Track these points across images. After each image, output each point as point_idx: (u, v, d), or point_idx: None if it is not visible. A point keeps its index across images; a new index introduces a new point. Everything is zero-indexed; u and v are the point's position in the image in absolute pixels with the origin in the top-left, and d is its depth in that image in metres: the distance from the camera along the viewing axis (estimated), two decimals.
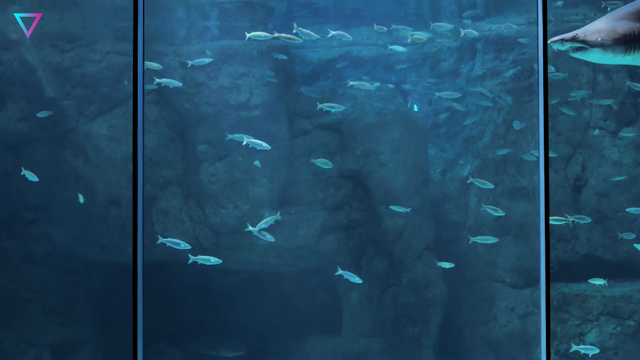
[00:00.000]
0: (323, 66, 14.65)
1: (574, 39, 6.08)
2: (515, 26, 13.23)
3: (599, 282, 11.19)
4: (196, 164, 12.71)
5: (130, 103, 11.21)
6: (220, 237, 12.67)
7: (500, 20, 13.85)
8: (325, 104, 12.40)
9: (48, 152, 12.70)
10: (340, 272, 11.77)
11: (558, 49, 6.15)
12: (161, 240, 11.47)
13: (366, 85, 12.92)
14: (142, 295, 4.57)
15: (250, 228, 11.69)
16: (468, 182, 12.70)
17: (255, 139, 12.34)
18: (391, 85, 14.11)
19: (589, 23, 12.98)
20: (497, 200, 12.85)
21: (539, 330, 4.77)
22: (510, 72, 13.09)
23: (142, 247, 4.64)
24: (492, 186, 12.27)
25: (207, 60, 12.29)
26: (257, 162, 12.37)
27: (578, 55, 6.12)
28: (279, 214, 11.73)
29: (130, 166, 4.55)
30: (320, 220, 12.79)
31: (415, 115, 13.45)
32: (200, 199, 12.74)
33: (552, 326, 11.29)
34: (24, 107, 12.56)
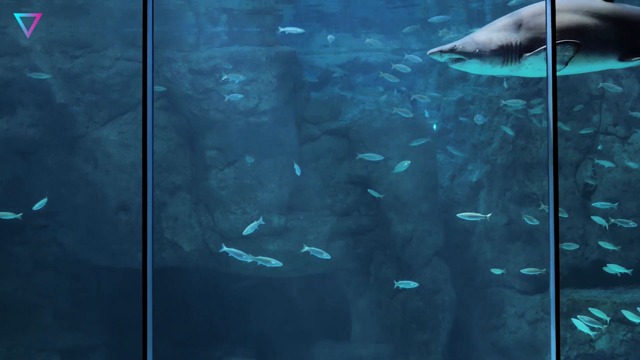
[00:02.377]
0: (332, 72, 14.66)
1: (452, 51, 6.11)
2: None
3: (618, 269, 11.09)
4: (205, 169, 12.74)
5: (140, 109, 11.25)
6: (229, 243, 12.66)
7: None
8: (365, 154, 12.36)
9: (58, 158, 12.74)
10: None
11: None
12: (224, 249, 11.40)
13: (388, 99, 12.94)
14: (151, 300, 4.58)
15: (253, 258, 11.50)
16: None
17: (264, 145, 12.39)
18: (398, 93, 14.11)
19: None
20: (506, 206, 12.82)
21: (548, 337, 4.76)
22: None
23: (152, 253, 4.65)
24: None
25: (241, 77, 12.29)
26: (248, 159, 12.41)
27: (457, 66, 6.15)
28: (261, 218, 11.66)
29: (140, 172, 4.56)
30: (329, 226, 12.79)
31: (423, 121, 13.46)
32: (209, 204, 12.76)
33: (561, 332, 11.26)
34: (34, 113, 12.61)
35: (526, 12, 6.32)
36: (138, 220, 12.48)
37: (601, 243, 11.55)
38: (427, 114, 13.86)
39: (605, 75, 12.55)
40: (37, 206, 11.56)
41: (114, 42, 13.03)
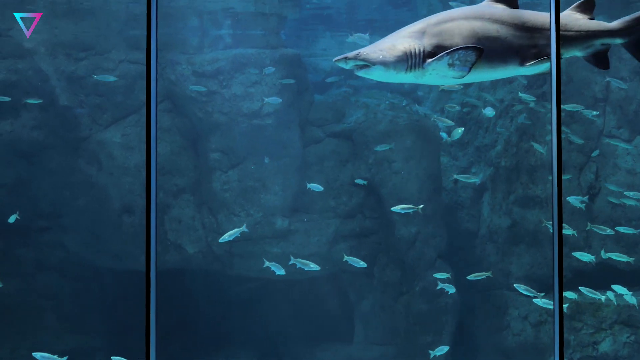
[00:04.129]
0: (335, 74, 14.66)
1: (356, 57, 6.13)
2: None
3: (621, 291, 11.08)
4: (209, 171, 12.74)
5: (143, 111, 11.27)
6: (232, 245, 12.68)
7: None
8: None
9: (62, 160, 12.76)
10: (293, 261, 11.64)
11: (349, 67, 6.19)
12: (293, 261, 11.47)
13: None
14: (155, 303, 4.58)
15: (294, 260, 11.59)
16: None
17: (268, 147, 12.39)
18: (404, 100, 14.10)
19: None
20: (510, 209, 12.81)
21: (552, 339, 4.75)
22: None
23: (155, 255, 4.65)
24: None
25: (278, 100, 12.39)
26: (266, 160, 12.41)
27: (362, 73, 6.20)
28: (244, 226, 11.66)
29: (143, 174, 4.57)
30: (333, 228, 12.79)
31: (427, 123, 13.45)
32: (213, 206, 12.76)
33: (565, 335, 11.23)
34: (37, 115, 12.63)
35: (431, 19, 6.40)
36: (141, 222, 12.49)
37: (607, 254, 11.50)
38: (445, 137, 13.80)
39: (609, 77, 12.55)
40: (10, 219, 11.65)
41: (118, 44, 13.05)
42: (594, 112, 12.16)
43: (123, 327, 12.48)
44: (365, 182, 12.61)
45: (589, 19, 6.72)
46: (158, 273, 4.65)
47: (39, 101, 12.36)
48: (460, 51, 6.01)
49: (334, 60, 6.23)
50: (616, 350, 11.34)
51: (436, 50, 6.15)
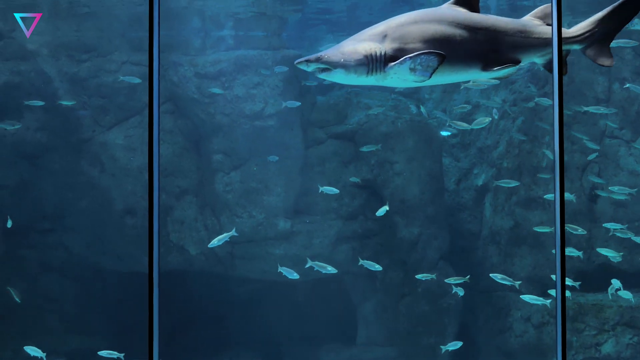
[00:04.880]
0: None
1: (318, 60, 6.12)
2: None
3: (626, 295, 11.09)
4: (211, 173, 12.76)
5: (146, 113, 11.28)
6: (235, 247, 12.69)
7: None
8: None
9: (64, 162, 12.78)
10: (310, 263, 11.64)
11: (308, 69, 6.20)
12: (310, 263, 11.48)
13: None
14: (157, 304, 4.59)
15: (311, 263, 11.62)
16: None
17: (270, 149, 12.41)
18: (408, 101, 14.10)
19: None
20: (513, 210, 12.80)
21: (554, 340, 4.75)
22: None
23: (158, 256, 4.66)
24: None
25: (297, 103, 12.48)
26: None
27: (324, 76, 6.19)
28: (234, 230, 11.66)
29: (146, 175, 4.57)
30: (335, 230, 12.79)
31: (429, 125, 13.46)
32: (216, 208, 12.77)
33: (568, 336, 11.23)
34: (40, 117, 12.65)
35: (392, 22, 6.35)
36: (144, 223, 12.50)
37: (600, 250, 11.50)
38: (446, 134, 13.81)
39: (611, 78, 12.55)
40: (8, 224, 11.69)
41: (121, 46, 13.07)
42: (603, 111, 12.14)
43: (126, 329, 12.50)
44: (359, 180, 12.58)
45: (548, 25, 6.75)
46: (160, 274, 4.66)
47: (139, 80, 12.36)
48: (422, 56, 5.98)
49: (295, 63, 6.22)
50: (619, 351, 11.33)
51: (397, 54, 6.10)
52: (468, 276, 11.56)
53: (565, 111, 11.99)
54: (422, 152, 12.94)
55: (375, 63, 6.11)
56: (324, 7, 14.26)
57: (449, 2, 6.64)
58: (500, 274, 11.95)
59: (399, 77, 6.16)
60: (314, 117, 13.09)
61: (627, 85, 12.09)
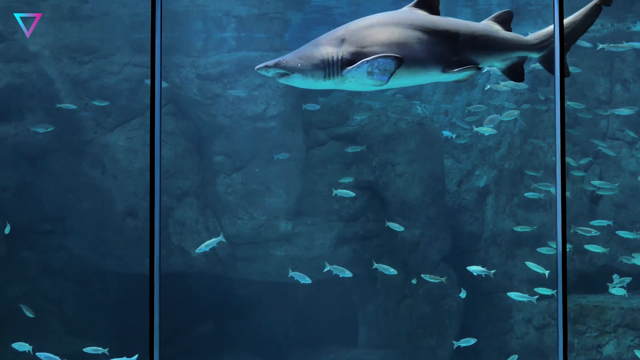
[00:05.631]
0: None
1: (276, 66, 6.14)
2: None
3: (619, 292, 11.10)
4: (213, 175, 12.76)
5: (148, 114, 11.27)
6: (236, 248, 12.69)
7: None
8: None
9: (66, 163, 12.78)
10: (329, 267, 11.63)
11: (265, 75, 6.24)
12: (328, 267, 11.48)
13: None
14: (158, 306, 4.59)
15: (329, 267, 11.54)
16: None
17: (271, 150, 12.40)
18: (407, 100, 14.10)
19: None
20: (514, 211, 12.80)
21: (556, 342, 4.75)
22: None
23: (159, 258, 4.66)
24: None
25: (317, 107, 12.50)
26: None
27: (283, 80, 6.22)
28: (221, 235, 11.67)
29: (148, 177, 4.57)
30: (336, 231, 12.79)
31: (431, 126, 13.45)
32: (217, 209, 12.77)
33: (569, 338, 11.22)
34: (42, 118, 12.65)
35: (352, 26, 6.36)
36: (145, 225, 12.50)
37: (587, 247, 11.49)
38: (448, 133, 13.80)
39: (613, 80, 12.55)
40: (6, 230, 11.70)
41: (123, 47, 13.07)
42: (603, 112, 12.18)
43: (126, 330, 12.50)
44: (352, 179, 12.53)
45: (507, 30, 6.76)
46: (162, 276, 4.66)
47: (165, 84, 12.34)
48: (379, 60, 5.98)
49: (255, 68, 6.24)
50: (620, 353, 11.32)
51: (355, 58, 6.10)
52: (445, 277, 11.61)
53: (585, 115, 12.06)
54: (423, 153, 12.93)
55: (332, 67, 6.11)
56: (326, 8, 14.26)
57: (410, 5, 6.62)
58: (501, 275, 11.97)
59: (356, 80, 6.16)
60: (316, 118, 13.08)
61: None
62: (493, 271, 11.42)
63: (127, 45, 13.09)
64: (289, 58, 6.17)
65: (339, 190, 12.10)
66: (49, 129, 12.33)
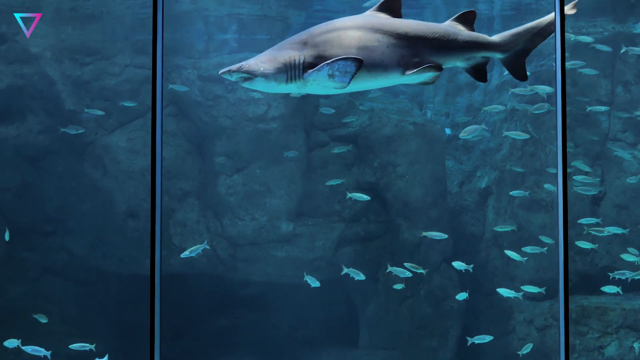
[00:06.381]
0: None
1: (239, 70, 6.20)
2: None
3: (612, 290, 11.11)
4: (214, 176, 12.76)
5: (149, 115, 11.28)
6: (237, 249, 12.69)
7: None
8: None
9: (67, 164, 12.79)
10: (346, 270, 11.67)
11: (234, 79, 6.27)
12: (345, 270, 11.52)
13: None
14: (159, 306, 4.59)
15: (346, 270, 11.62)
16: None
17: (273, 151, 12.41)
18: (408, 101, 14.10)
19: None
20: (515, 212, 12.79)
21: (557, 343, 4.74)
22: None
23: (160, 259, 4.66)
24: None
25: (331, 111, 12.61)
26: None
27: (246, 84, 6.27)
28: (205, 242, 11.69)
29: (149, 178, 4.58)
30: (338, 232, 12.79)
31: (432, 127, 13.45)
32: (218, 210, 12.77)
33: (571, 339, 11.20)
34: (43, 119, 12.66)
35: (314, 30, 6.43)
36: (146, 226, 12.50)
37: (578, 243, 11.48)
38: (448, 132, 13.81)
39: (614, 82, 12.54)
40: (6, 237, 11.71)
41: (124, 49, 13.08)
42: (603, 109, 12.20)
43: (127, 331, 12.51)
44: (340, 182, 12.52)
45: (470, 30, 6.79)
46: (163, 277, 4.66)
47: (185, 88, 12.39)
48: (339, 62, 6.05)
49: (219, 72, 6.29)
50: (622, 354, 11.31)
51: (316, 61, 6.16)
52: (421, 269, 11.62)
53: (614, 120, 12.06)
54: (425, 154, 12.93)
55: (293, 70, 6.18)
56: (328, 9, 14.27)
57: (372, 9, 6.68)
58: (502, 276, 11.96)
59: (318, 83, 6.22)
60: (317, 119, 13.09)
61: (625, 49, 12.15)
62: (471, 265, 11.52)
63: (128, 47, 13.10)
64: (252, 62, 6.25)
65: (354, 193, 12.12)
66: (80, 131, 12.36)
